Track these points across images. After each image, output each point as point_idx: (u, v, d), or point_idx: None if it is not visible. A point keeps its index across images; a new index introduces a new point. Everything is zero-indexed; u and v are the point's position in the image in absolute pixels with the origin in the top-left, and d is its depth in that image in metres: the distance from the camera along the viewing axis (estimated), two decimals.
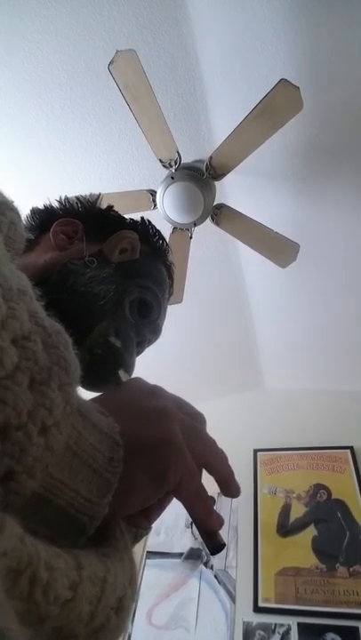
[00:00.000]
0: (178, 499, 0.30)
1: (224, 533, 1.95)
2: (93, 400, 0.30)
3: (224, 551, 2.09)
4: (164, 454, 0.28)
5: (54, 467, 0.22)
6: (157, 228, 0.60)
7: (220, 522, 0.31)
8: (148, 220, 0.59)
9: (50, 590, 0.18)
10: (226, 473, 0.33)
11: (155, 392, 0.32)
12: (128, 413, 0.29)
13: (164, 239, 0.60)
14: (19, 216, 0.37)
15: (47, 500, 0.22)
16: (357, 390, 2.52)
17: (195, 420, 0.33)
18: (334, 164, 1.62)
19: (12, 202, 0.37)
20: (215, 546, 0.31)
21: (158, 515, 0.34)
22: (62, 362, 0.23)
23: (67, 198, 0.56)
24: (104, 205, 0.57)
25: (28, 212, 0.55)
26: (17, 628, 0.16)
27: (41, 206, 0.56)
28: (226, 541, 1.82)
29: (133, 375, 0.47)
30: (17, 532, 0.18)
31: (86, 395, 0.33)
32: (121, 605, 0.24)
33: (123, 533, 0.27)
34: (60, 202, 0.55)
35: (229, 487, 0.33)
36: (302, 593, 1.85)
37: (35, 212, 0.55)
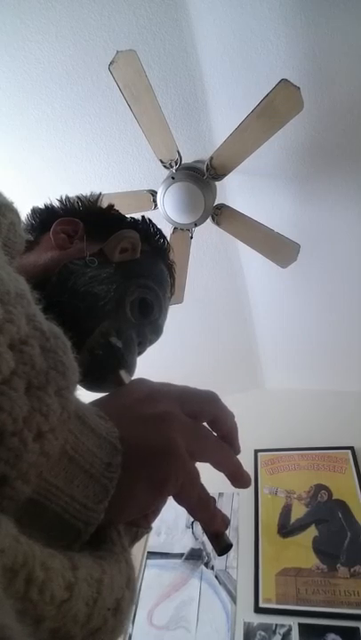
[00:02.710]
0: (179, 504, 0.29)
1: None
2: (93, 403, 0.30)
3: None
4: (163, 463, 0.27)
5: (49, 472, 0.22)
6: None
7: (226, 522, 0.31)
8: (149, 219, 0.58)
9: (46, 590, 0.18)
10: (232, 468, 0.33)
11: (156, 395, 0.31)
12: (128, 418, 0.29)
13: (165, 238, 0.59)
14: (18, 217, 0.37)
15: (42, 505, 0.22)
16: (358, 391, 2.51)
17: (201, 412, 0.32)
18: (335, 163, 1.62)
19: (12, 203, 0.36)
20: (222, 547, 0.31)
21: (156, 516, 0.34)
22: (60, 366, 0.22)
23: (67, 198, 0.55)
24: (104, 205, 0.57)
25: (29, 211, 0.55)
26: (16, 624, 0.15)
27: (41, 206, 0.55)
28: None
29: (135, 375, 0.46)
30: (12, 532, 0.17)
31: (87, 396, 0.33)
32: (119, 607, 0.23)
33: (120, 536, 0.27)
34: (60, 201, 0.55)
35: (239, 480, 0.33)
36: (303, 593, 1.85)
37: (35, 211, 0.55)
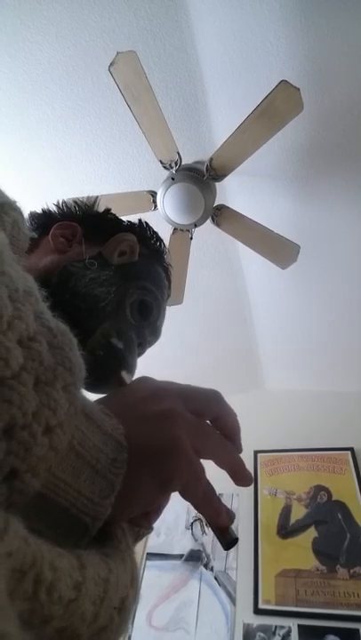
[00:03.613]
0: (184, 499, 0.30)
1: None
2: (98, 401, 0.30)
3: (224, 552, 2.09)
4: (168, 460, 0.27)
5: (57, 467, 0.22)
6: (155, 229, 0.60)
7: (231, 517, 0.31)
8: (146, 222, 0.59)
9: (54, 590, 0.18)
10: (235, 466, 0.33)
11: (159, 393, 0.32)
12: (132, 416, 0.29)
13: (161, 241, 0.60)
14: (22, 215, 0.37)
15: (50, 499, 0.22)
16: (358, 391, 2.51)
17: (204, 410, 0.32)
18: (335, 164, 1.62)
19: (15, 202, 0.37)
20: (228, 541, 0.31)
21: (158, 516, 0.34)
22: (67, 363, 0.23)
23: (64, 202, 0.56)
24: (102, 208, 0.57)
25: (27, 216, 0.55)
26: (18, 632, 0.15)
27: (39, 210, 0.56)
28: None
29: (134, 376, 0.46)
30: (21, 533, 0.18)
31: (90, 397, 0.33)
32: (123, 606, 0.24)
33: (124, 534, 0.27)
34: (57, 205, 0.56)
35: (241, 478, 0.33)
36: (303, 595, 1.85)
37: (33, 216, 0.55)
